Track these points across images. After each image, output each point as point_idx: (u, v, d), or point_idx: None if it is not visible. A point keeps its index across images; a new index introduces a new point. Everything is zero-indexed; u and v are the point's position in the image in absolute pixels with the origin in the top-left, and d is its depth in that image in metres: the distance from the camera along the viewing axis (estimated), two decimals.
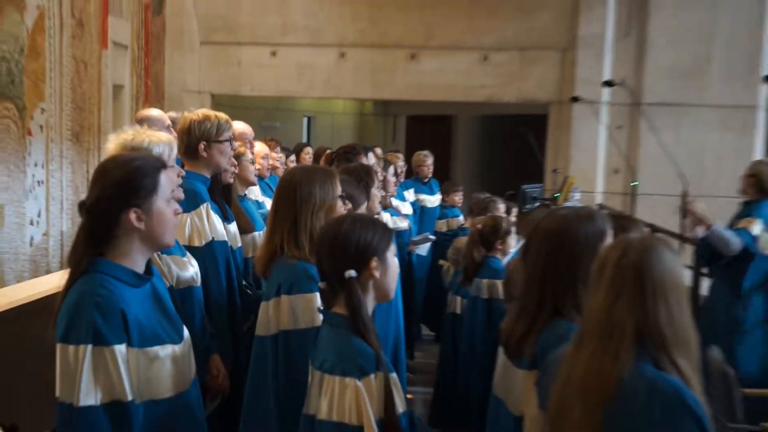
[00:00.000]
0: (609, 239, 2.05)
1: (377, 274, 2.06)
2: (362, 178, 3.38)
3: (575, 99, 7.07)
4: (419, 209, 6.87)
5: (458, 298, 4.40)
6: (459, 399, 4.21)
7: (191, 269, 2.78)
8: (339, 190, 2.68)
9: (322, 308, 2.16)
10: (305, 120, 13.03)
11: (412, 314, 5.91)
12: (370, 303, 2.09)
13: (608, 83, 5.92)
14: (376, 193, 3.64)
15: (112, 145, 2.59)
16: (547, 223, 2.09)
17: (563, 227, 2.04)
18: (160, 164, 2.02)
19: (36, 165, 5.24)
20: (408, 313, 5.33)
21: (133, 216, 1.89)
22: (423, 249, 6.16)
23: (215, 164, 3.17)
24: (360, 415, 1.90)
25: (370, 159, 4.53)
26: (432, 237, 6.29)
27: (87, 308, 1.80)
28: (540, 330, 1.98)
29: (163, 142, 2.60)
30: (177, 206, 2.04)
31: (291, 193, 2.59)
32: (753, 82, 8.30)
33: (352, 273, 2.03)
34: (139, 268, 1.95)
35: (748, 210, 4.81)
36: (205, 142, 3.11)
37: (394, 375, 2.03)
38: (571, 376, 1.66)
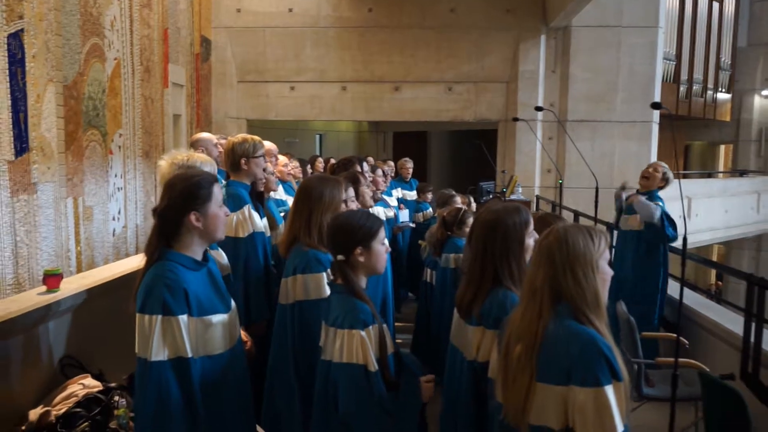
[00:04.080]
0: (531, 226, 2.05)
1: (362, 259, 2.07)
2: (352, 182, 3.39)
3: (516, 119, 7.08)
4: (402, 201, 6.91)
5: (429, 270, 4.41)
6: (431, 344, 4.23)
7: (225, 259, 2.77)
8: (344, 195, 2.67)
9: (331, 279, 2.17)
10: (317, 137, 12.99)
11: (398, 280, 5.93)
12: (361, 278, 2.10)
13: (539, 108, 5.91)
14: (366, 191, 3.65)
15: (165, 163, 2.59)
16: (484, 216, 2.08)
17: (496, 218, 2.02)
18: (214, 179, 2.02)
19: (116, 176, 5.23)
20: (395, 280, 5.35)
21: (193, 218, 1.90)
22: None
23: (253, 174, 3.17)
24: (364, 356, 1.93)
25: (365, 166, 4.53)
26: (412, 224, 6.30)
27: (159, 287, 1.80)
28: (484, 296, 1.99)
29: (208, 162, 2.61)
30: (227, 209, 2.03)
31: (307, 195, 2.59)
32: (648, 104, 8.31)
33: (340, 257, 2.06)
34: (198, 256, 1.95)
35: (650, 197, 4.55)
36: (245, 158, 3.12)
37: (385, 326, 2.06)
38: (513, 325, 1.67)
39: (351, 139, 13.80)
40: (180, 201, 1.90)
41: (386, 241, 2.15)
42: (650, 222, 4.48)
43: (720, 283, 14.62)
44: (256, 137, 3.24)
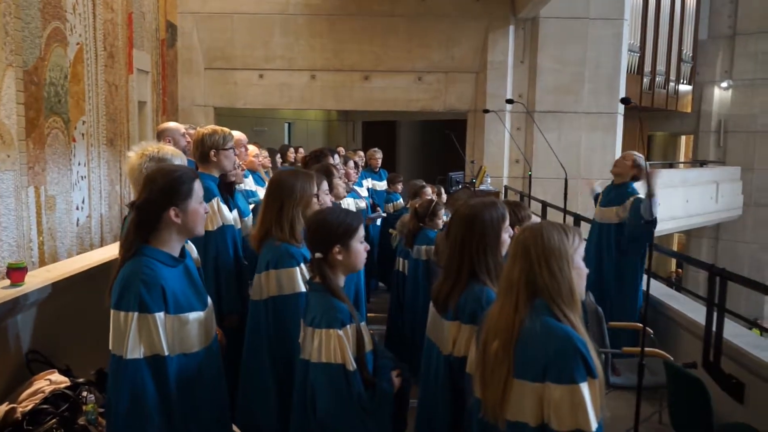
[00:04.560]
0: (507, 221, 2.08)
1: (340, 257, 2.05)
2: (325, 175, 3.37)
3: (486, 111, 7.10)
4: (372, 192, 6.91)
5: (401, 260, 4.43)
6: (403, 335, 4.25)
7: (195, 252, 2.74)
8: (315, 189, 2.66)
9: (309, 277, 2.15)
10: (286, 125, 12.85)
11: (369, 272, 5.92)
12: (339, 276, 2.08)
13: (509, 101, 5.92)
14: (339, 183, 3.63)
15: (134, 154, 2.52)
16: (462, 210, 2.10)
17: (474, 213, 2.05)
18: (195, 175, 2.00)
19: (80, 164, 5.09)
20: (366, 271, 5.34)
21: (172, 213, 1.87)
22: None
23: (222, 166, 3.12)
24: (342, 355, 1.92)
25: (336, 158, 4.50)
26: (383, 214, 6.31)
27: (135, 283, 1.77)
28: (460, 290, 2.00)
29: (178, 155, 2.56)
30: (206, 206, 2.01)
31: (279, 189, 2.57)
32: (613, 96, 8.50)
33: (318, 255, 2.04)
34: (176, 252, 1.93)
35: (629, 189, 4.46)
36: (214, 150, 3.06)
37: (363, 323, 2.06)
38: (490, 321, 1.69)
39: (320, 128, 13.70)
40: (160, 196, 1.87)
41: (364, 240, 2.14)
42: (642, 218, 4.18)
43: (680, 271, 15.04)
44: (226, 129, 3.18)
